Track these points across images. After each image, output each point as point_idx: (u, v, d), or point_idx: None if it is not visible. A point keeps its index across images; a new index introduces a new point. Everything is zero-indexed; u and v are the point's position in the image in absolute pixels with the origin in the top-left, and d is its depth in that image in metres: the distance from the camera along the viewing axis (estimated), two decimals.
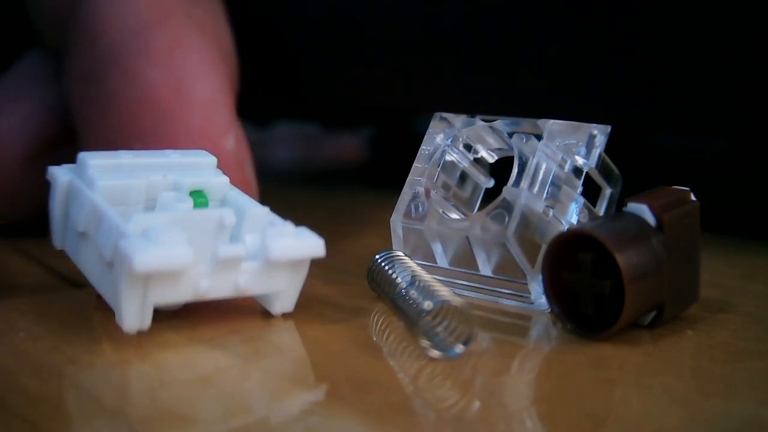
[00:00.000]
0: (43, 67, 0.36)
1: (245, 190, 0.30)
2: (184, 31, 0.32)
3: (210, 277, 0.24)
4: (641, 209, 0.25)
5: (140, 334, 0.25)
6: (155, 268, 0.23)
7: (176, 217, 0.24)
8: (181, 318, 0.26)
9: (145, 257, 0.22)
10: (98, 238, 0.24)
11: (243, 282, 0.25)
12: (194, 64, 0.31)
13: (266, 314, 0.27)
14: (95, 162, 0.26)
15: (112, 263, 0.24)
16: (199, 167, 0.28)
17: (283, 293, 0.26)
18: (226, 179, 0.27)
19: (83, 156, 0.26)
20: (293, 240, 0.25)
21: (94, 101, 0.32)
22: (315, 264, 0.28)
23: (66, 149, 0.33)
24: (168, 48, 0.31)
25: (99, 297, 0.26)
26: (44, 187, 0.27)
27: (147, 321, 0.24)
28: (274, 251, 0.25)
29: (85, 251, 0.26)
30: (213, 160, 0.28)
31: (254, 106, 0.50)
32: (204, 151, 0.28)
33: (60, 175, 0.26)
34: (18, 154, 0.34)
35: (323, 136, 0.70)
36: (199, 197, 0.27)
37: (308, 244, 0.25)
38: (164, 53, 0.31)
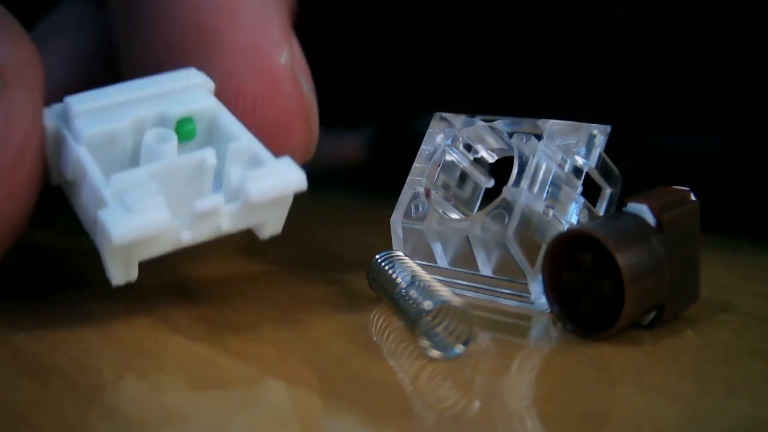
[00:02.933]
0: (82, 10, 0.35)
1: (298, 108, 0.29)
2: None
3: (191, 228, 0.25)
4: (641, 209, 0.25)
5: (141, 335, 0.25)
6: (133, 237, 0.23)
7: (154, 170, 0.24)
8: (180, 317, 0.26)
9: (122, 229, 0.23)
10: (83, 195, 0.25)
11: (225, 224, 0.25)
12: None
13: (266, 314, 0.27)
14: (80, 108, 0.26)
15: (95, 224, 0.24)
16: (188, 91, 0.27)
17: (269, 222, 0.26)
18: (213, 101, 0.27)
19: (69, 101, 0.26)
20: (273, 178, 0.25)
21: (137, 29, 0.30)
22: (315, 264, 0.28)
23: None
24: None
25: (99, 297, 0.26)
26: None
27: (133, 274, 0.25)
28: (254, 194, 0.24)
29: (75, 196, 0.26)
30: (201, 79, 0.27)
31: None
32: (194, 69, 0.28)
33: (47, 119, 0.26)
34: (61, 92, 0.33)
35: (323, 136, 0.70)
36: (187, 125, 0.26)
37: (289, 179, 0.25)
38: None
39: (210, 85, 0.28)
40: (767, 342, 0.25)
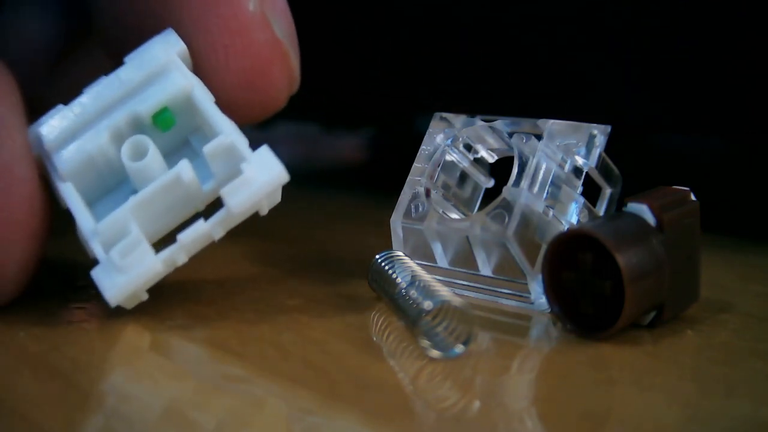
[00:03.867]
0: None
1: (274, 56, 0.27)
2: None
3: (183, 250, 0.25)
4: (641, 209, 0.25)
5: (141, 335, 0.25)
6: (127, 295, 0.25)
7: (135, 204, 0.25)
8: (181, 320, 0.26)
9: (115, 292, 0.24)
10: (78, 231, 0.25)
11: (216, 233, 0.25)
12: None
13: (266, 314, 0.27)
14: (53, 137, 0.26)
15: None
16: (157, 78, 0.26)
17: (264, 206, 0.26)
18: (187, 83, 0.26)
19: (41, 131, 0.26)
20: (251, 186, 0.25)
21: None
22: (315, 264, 0.28)
23: (84, 55, 0.32)
24: None
25: (99, 297, 0.26)
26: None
27: (144, 298, 0.26)
28: (235, 208, 0.25)
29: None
30: (171, 55, 0.26)
31: None
32: (159, 41, 0.27)
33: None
34: (41, 60, 0.31)
35: (323, 136, 0.70)
36: (162, 116, 0.26)
37: (268, 177, 0.25)
38: None
39: (179, 48, 0.27)
40: (767, 342, 0.25)
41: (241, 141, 0.25)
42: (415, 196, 0.29)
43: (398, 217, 0.29)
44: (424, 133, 0.30)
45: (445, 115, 0.30)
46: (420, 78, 0.43)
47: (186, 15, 0.27)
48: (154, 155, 0.26)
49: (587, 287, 0.25)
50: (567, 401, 0.21)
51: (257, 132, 0.59)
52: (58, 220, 0.27)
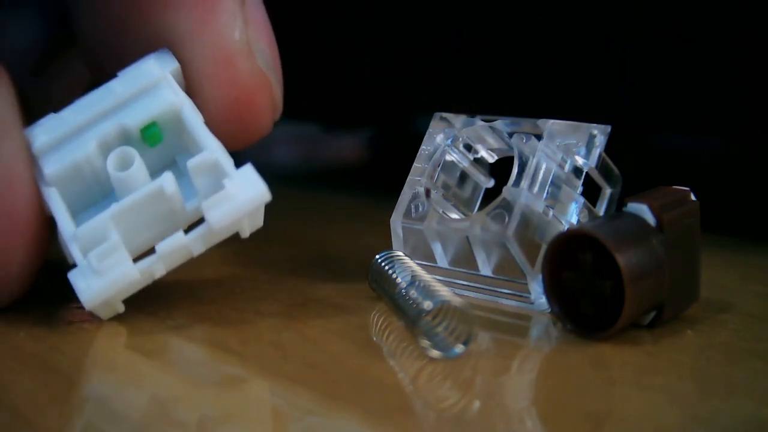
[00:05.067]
0: None
1: (256, 86, 0.27)
2: None
3: (162, 261, 0.25)
4: (641, 209, 0.25)
5: (141, 335, 0.25)
6: (103, 299, 0.25)
7: (116, 211, 0.25)
8: (181, 319, 0.26)
9: (91, 295, 0.24)
10: (59, 236, 0.26)
11: (196, 249, 0.25)
12: None
13: (266, 314, 0.27)
14: (41, 142, 0.26)
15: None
16: (147, 93, 0.26)
17: (246, 226, 0.26)
18: (177, 100, 0.26)
19: (30, 135, 0.26)
20: (232, 202, 0.25)
21: (85, 6, 0.29)
22: (315, 264, 0.28)
23: (64, 66, 0.31)
24: None
25: None
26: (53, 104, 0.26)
27: (120, 309, 0.26)
28: (215, 223, 0.25)
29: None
30: (162, 73, 0.26)
31: None
32: (153, 59, 0.27)
33: None
34: (19, 67, 0.30)
35: (323, 136, 0.70)
36: (150, 131, 0.26)
37: (250, 196, 0.25)
38: None
39: (173, 66, 0.27)
40: (767, 342, 0.25)
41: (225, 159, 0.25)
42: (415, 196, 0.29)
43: (398, 217, 0.29)
44: (424, 133, 0.30)
45: (445, 115, 0.30)
46: (418, 78, 0.43)
47: (172, 41, 0.27)
48: (139, 167, 0.26)
49: (587, 287, 0.25)
50: (567, 401, 0.21)
51: None
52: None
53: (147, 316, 0.26)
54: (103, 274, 0.24)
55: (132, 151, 0.26)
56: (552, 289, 0.25)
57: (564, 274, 0.25)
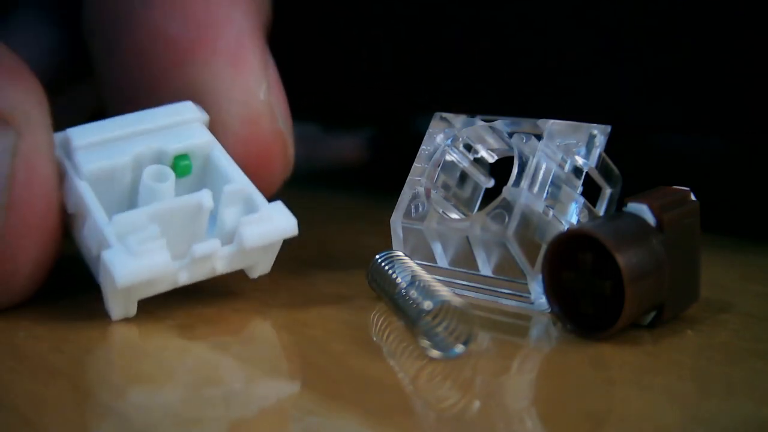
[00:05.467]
0: (42, 17, 0.35)
1: (275, 144, 0.29)
2: None
3: (188, 269, 0.25)
4: (641, 209, 0.25)
5: (141, 335, 0.25)
6: (136, 280, 0.24)
7: (154, 211, 0.25)
8: (181, 319, 0.26)
9: (125, 272, 0.24)
10: (85, 230, 0.26)
11: (220, 267, 0.26)
12: (213, 10, 0.29)
13: (266, 314, 0.27)
14: (81, 142, 0.26)
15: (98, 260, 0.25)
16: (183, 126, 0.28)
17: (260, 263, 0.27)
18: (208, 138, 0.27)
19: (70, 134, 0.27)
20: (266, 225, 0.26)
21: (115, 54, 0.30)
22: (315, 264, 0.28)
23: (73, 92, 0.32)
24: None
25: (99, 297, 0.26)
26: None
27: (132, 311, 0.26)
28: (247, 240, 0.26)
29: (76, 228, 0.27)
30: (196, 115, 0.28)
31: None
32: (190, 103, 0.28)
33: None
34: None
35: (323, 136, 0.70)
36: (182, 160, 0.27)
37: (281, 225, 0.26)
38: (178, 1, 0.29)
39: (204, 117, 0.28)
40: (767, 342, 0.25)
41: (258, 194, 0.26)
42: (415, 196, 0.29)
43: (398, 217, 0.29)
44: (424, 133, 0.30)
45: (445, 115, 0.30)
46: (418, 78, 0.43)
47: (200, 97, 0.28)
48: (172, 184, 0.26)
49: (587, 287, 0.25)
50: (567, 401, 0.21)
51: None
52: None
53: (147, 315, 0.26)
54: (140, 256, 0.24)
55: (168, 170, 0.26)
56: (552, 289, 0.25)
57: (564, 274, 0.25)
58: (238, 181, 0.27)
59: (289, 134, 0.30)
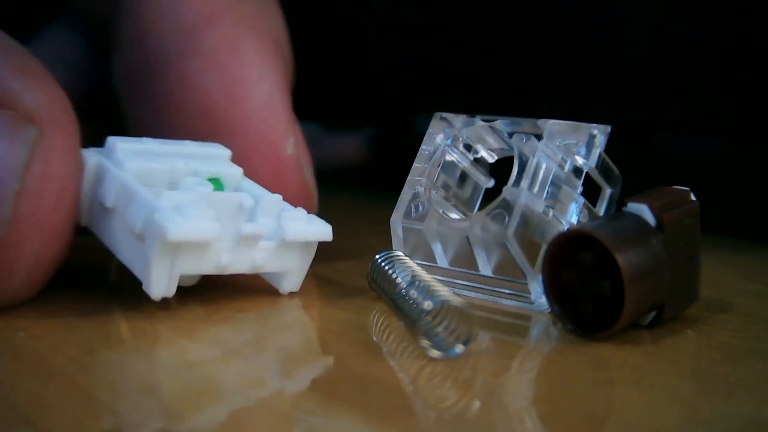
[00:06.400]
0: (70, 41, 0.36)
1: (302, 194, 0.31)
2: (235, 30, 0.31)
3: (231, 253, 0.26)
4: (641, 209, 0.25)
5: (140, 336, 0.25)
6: (187, 237, 0.25)
7: (201, 196, 0.26)
8: (180, 320, 0.26)
9: (178, 228, 0.25)
10: (129, 212, 0.26)
11: (259, 259, 0.27)
12: (247, 66, 0.31)
13: (266, 314, 0.27)
14: (123, 146, 0.28)
15: (143, 235, 0.25)
16: (215, 158, 0.29)
17: (292, 273, 0.28)
18: (239, 170, 0.29)
19: (112, 140, 0.28)
20: (305, 224, 0.27)
21: (146, 101, 0.32)
22: (315, 264, 0.28)
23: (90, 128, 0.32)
24: (218, 49, 0.31)
25: (99, 297, 0.26)
26: None
27: (172, 289, 0.26)
28: (289, 232, 0.27)
29: (111, 226, 0.27)
30: (227, 153, 0.30)
31: None
32: (219, 144, 0.30)
33: (89, 156, 0.28)
34: None
35: (323, 136, 0.70)
36: (216, 184, 0.28)
37: (319, 228, 0.28)
38: (215, 55, 0.31)
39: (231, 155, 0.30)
40: (766, 342, 0.25)
41: (293, 207, 0.28)
42: (415, 196, 0.29)
43: (398, 217, 0.29)
44: (424, 133, 0.30)
45: (445, 115, 0.30)
46: (418, 78, 0.43)
47: (231, 148, 0.30)
48: (211, 190, 0.27)
49: (587, 287, 0.25)
50: (567, 401, 0.21)
51: None
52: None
53: (146, 315, 0.26)
54: (192, 218, 0.25)
55: (206, 181, 0.28)
56: (552, 289, 0.25)
57: (564, 274, 0.25)
58: (275, 195, 0.28)
59: (312, 182, 0.32)
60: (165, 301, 0.27)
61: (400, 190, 0.29)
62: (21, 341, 0.25)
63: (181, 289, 0.26)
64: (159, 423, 0.20)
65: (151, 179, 0.28)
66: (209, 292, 0.28)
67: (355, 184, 0.53)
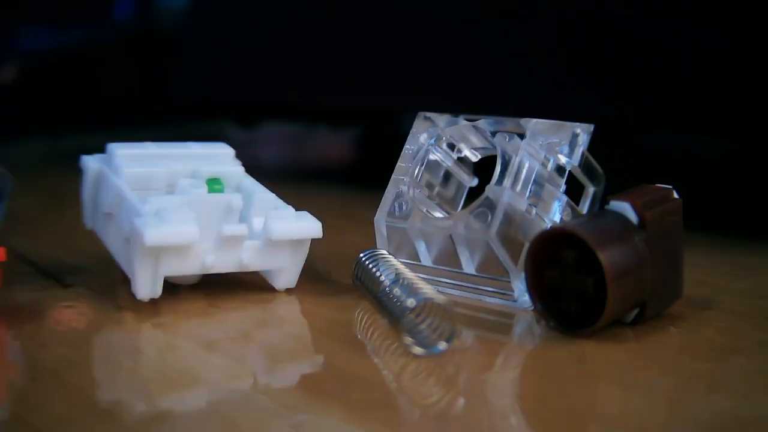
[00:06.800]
0: None
1: None
2: None
3: (215, 253, 0.27)
4: (624, 207, 0.25)
5: (132, 334, 0.25)
6: (163, 242, 0.25)
7: (188, 199, 0.27)
8: (168, 317, 0.26)
9: (154, 233, 0.25)
10: (120, 217, 0.27)
11: (246, 258, 0.27)
12: None
13: (252, 313, 0.27)
14: (122, 152, 0.29)
15: (129, 239, 0.26)
16: (217, 158, 0.30)
17: (285, 270, 0.28)
18: (241, 169, 0.30)
19: (111, 147, 0.29)
20: (293, 222, 0.27)
21: None
22: None
23: None
24: None
25: (90, 296, 0.26)
26: None
27: (158, 290, 0.26)
28: (273, 231, 0.27)
29: (110, 229, 0.29)
30: (231, 151, 0.31)
31: (241, 107, 0.50)
32: (224, 143, 0.31)
33: (90, 162, 0.30)
34: None
35: (310, 135, 0.70)
36: (215, 184, 0.29)
37: (307, 225, 0.28)
38: None
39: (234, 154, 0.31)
40: (750, 339, 0.25)
41: (285, 204, 0.28)
42: (398, 195, 0.29)
43: (382, 216, 0.29)
44: (408, 133, 0.30)
45: (428, 114, 0.30)
46: (404, 77, 0.43)
47: None
48: (205, 192, 0.28)
49: (570, 285, 0.25)
50: (550, 398, 0.22)
51: (245, 132, 0.59)
52: (56, 226, 0.26)
53: (137, 314, 0.26)
54: (169, 223, 0.26)
55: (202, 183, 0.28)
56: (535, 287, 0.25)
57: (547, 271, 0.25)
58: (269, 194, 0.29)
59: None
60: (153, 303, 0.27)
61: (384, 189, 0.29)
62: (11, 340, 0.25)
63: (166, 289, 0.27)
64: (148, 419, 0.20)
65: (150, 183, 0.29)
66: (192, 290, 0.28)
67: (342, 183, 0.53)
